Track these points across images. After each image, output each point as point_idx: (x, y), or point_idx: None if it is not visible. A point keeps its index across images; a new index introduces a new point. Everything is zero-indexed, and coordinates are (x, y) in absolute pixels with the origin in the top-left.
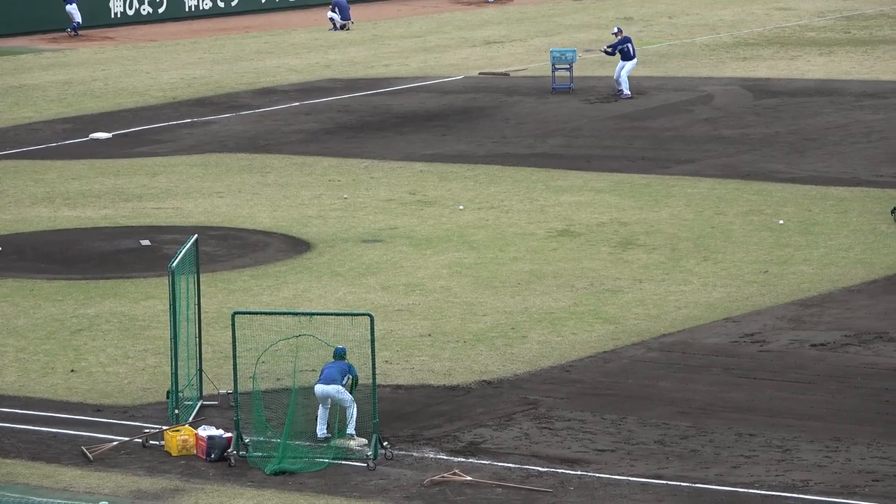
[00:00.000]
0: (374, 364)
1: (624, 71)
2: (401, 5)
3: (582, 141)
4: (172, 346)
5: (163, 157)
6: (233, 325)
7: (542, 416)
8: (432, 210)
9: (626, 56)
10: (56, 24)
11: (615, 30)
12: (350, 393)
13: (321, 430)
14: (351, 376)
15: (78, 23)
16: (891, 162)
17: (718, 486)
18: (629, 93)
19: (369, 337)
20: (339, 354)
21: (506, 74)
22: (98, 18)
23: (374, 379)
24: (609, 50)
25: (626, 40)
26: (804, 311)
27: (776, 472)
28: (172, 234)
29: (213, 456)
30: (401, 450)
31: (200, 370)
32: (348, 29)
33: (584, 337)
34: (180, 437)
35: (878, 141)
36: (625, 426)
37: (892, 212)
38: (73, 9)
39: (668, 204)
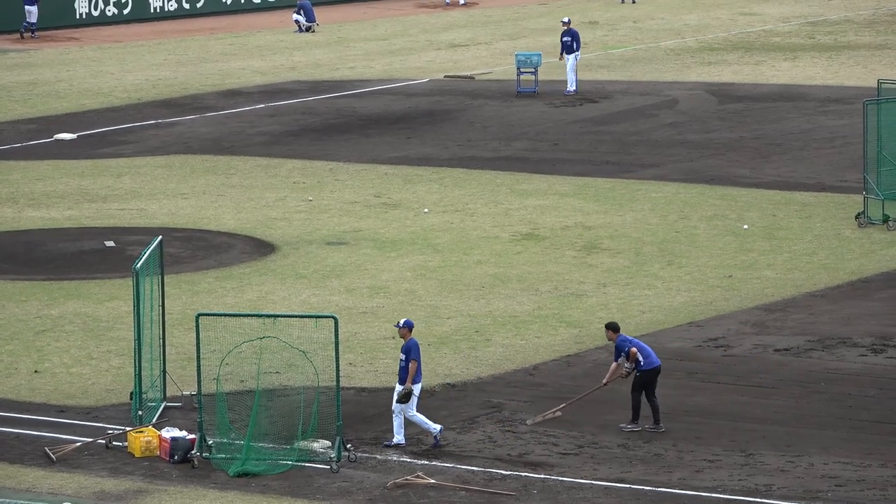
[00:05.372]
0: (337, 366)
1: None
2: (366, 8)
3: (547, 144)
4: (136, 347)
5: (127, 159)
6: (197, 326)
7: (505, 420)
8: (397, 213)
9: (570, 49)
10: (19, 25)
11: (565, 19)
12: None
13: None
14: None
15: (27, 23)
16: (855, 167)
17: (681, 490)
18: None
19: (333, 339)
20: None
21: (471, 77)
22: (63, 19)
23: (337, 381)
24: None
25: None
26: (768, 316)
27: (739, 476)
28: (137, 235)
29: (176, 457)
30: (364, 452)
31: (164, 371)
32: (313, 31)
33: (548, 340)
34: (144, 439)
35: (842, 146)
36: (588, 430)
37: (857, 217)
38: (32, 8)
39: (632, 208)
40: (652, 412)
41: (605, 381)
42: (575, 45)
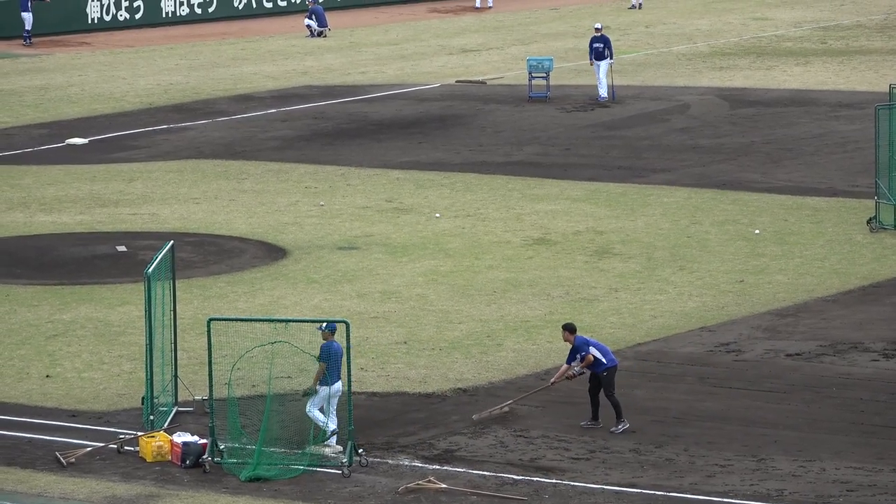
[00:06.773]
0: (349, 371)
1: (602, 72)
2: (378, 13)
3: (558, 149)
4: (148, 352)
5: (139, 163)
6: (208, 331)
7: (517, 425)
8: (408, 218)
9: (601, 56)
10: (30, 30)
11: (598, 25)
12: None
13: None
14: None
15: (25, 31)
16: (866, 172)
17: (693, 494)
18: (605, 95)
19: (345, 344)
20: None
21: (482, 83)
22: (75, 24)
23: (349, 386)
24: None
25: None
26: (779, 321)
27: (751, 481)
28: (148, 240)
29: (187, 462)
30: (376, 457)
31: (176, 376)
32: (325, 36)
33: (560, 345)
34: (155, 443)
35: (853, 151)
36: (599, 434)
37: (868, 222)
38: (27, 15)
39: (643, 213)
40: (592, 409)
41: (552, 380)
42: (608, 51)
